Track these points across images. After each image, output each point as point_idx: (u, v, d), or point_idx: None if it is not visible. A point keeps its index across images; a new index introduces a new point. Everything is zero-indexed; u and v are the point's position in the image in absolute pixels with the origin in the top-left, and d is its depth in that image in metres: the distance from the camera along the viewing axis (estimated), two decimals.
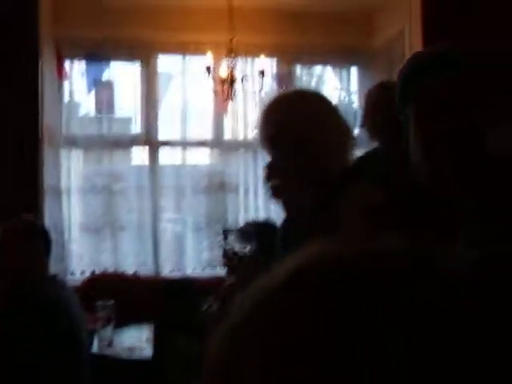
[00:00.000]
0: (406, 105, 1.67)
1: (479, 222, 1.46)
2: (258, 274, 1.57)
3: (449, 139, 1.61)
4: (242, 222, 3.72)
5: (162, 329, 3.58)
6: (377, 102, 3.24)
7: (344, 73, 6.17)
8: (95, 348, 3.63)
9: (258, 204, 5.75)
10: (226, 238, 3.06)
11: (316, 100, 2.14)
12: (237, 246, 2.26)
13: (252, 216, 5.54)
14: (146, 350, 3.65)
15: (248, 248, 2.22)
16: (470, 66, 1.52)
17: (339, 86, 6.22)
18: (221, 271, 4.05)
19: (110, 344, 3.75)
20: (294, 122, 2.00)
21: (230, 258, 2.32)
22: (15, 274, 2.98)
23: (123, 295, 4.59)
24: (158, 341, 3.50)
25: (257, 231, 2.45)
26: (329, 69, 5.94)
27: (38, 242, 3.06)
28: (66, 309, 2.94)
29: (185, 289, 4.20)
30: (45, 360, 2.73)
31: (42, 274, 3.02)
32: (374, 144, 3.31)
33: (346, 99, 6.17)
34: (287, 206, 2.08)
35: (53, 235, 4.69)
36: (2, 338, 2.76)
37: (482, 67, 1.54)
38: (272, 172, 2.03)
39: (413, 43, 5.33)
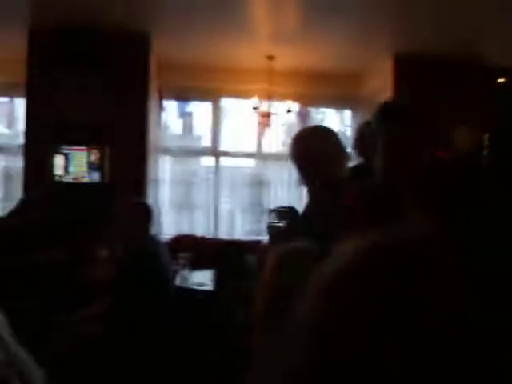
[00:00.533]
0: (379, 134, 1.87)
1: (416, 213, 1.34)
2: (290, 240, 1.61)
3: (397, 155, 1.79)
4: (273, 207, 3.62)
5: (220, 273, 3.50)
6: (362, 133, 3.12)
7: (341, 113, 6.29)
8: (178, 282, 3.63)
9: (282, 195, 5.87)
10: (269, 215, 2.84)
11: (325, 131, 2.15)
12: (276, 221, 2.16)
13: (278, 203, 5.63)
14: (209, 287, 3.64)
15: (283, 223, 2.12)
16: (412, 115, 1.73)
17: (338, 122, 6.31)
18: (257, 238, 4.12)
19: (187, 280, 3.77)
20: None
21: (272, 228, 2.24)
22: (130, 235, 3.07)
23: (196, 249, 4.69)
24: (218, 281, 3.44)
25: (289, 212, 2.27)
26: (331, 110, 6.04)
27: (142, 213, 3.09)
28: (159, 256, 3.01)
29: (236, 248, 4.10)
30: (149, 287, 2.81)
31: (145, 236, 3.06)
32: (360, 159, 3.27)
33: (342, 130, 6.24)
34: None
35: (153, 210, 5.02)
36: (123, 276, 2.91)
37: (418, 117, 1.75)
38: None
39: (387, 97, 5.45)
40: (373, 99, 5.73)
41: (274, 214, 2.23)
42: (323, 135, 2.08)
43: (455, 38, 4.75)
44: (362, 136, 3.14)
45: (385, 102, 2.52)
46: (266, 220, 2.27)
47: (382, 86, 5.57)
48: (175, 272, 3.66)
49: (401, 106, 2.28)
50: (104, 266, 3.79)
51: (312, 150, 1.99)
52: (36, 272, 3.34)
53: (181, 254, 3.87)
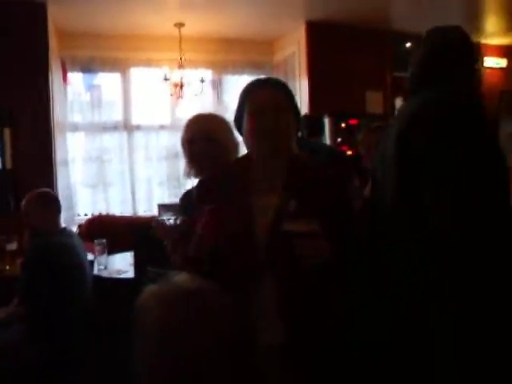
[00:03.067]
0: None
1: None
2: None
3: None
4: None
5: (138, 257, 3.24)
6: None
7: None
8: (95, 271, 3.47)
9: None
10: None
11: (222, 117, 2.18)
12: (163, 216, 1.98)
13: None
14: (130, 272, 3.42)
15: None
16: None
17: None
18: None
19: (105, 268, 3.57)
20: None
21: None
22: (36, 229, 2.93)
23: (113, 230, 4.48)
24: (137, 266, 3.21)
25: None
26: (245, 77, 5.93)
27: (51, 205, 2.92)
28: (71, 248, 2.87)
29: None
30: (59, 283, 2.69)
31: (53, 229, 2.89)
32: None
33: None
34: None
35: (64, 191, 4.73)
36: (29, 271, 2.73)
37: None
38: None
39: (301, 61, 5.47)
40: (287, 65, 5.73)
41: (160, 208, 2.04)
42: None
43: (366, 4, 4.75)
44: None
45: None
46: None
47: (296, 52, 5.55)
48: (92, 261, 3.50)
49: None
50: (12, 260, 3.55)
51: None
52: None
53: (96, 241, 3.64)
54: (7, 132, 4.25)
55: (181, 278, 1.01)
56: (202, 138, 2.03)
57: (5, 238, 3.64)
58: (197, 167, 2.08)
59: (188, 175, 2.12)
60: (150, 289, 1.01)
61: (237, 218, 1.52)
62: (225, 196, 1.57)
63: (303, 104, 5.26)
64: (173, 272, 1.03)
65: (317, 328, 1.45)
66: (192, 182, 2.18)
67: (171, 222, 1.94)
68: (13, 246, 3.66)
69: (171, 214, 1.95)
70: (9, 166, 4.25)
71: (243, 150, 1.87)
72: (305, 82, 5.35)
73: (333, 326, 1.46)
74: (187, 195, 2.14)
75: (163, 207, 2.01)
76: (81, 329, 2.79)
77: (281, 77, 5.84)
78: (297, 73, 5.52)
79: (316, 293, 1.47)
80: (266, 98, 1.50)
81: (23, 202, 2.89)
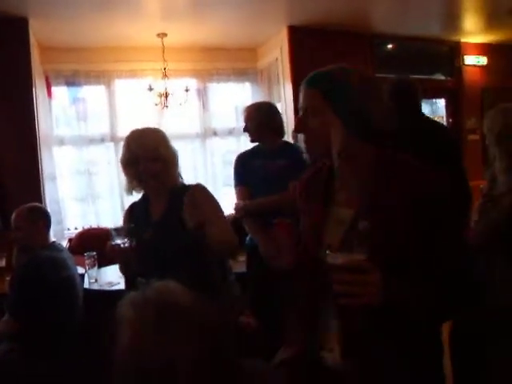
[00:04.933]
0: None
1: None
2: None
3: None
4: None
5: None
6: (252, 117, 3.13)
7: (241, 87, 6.16)
8: (86, 284, 3.43)
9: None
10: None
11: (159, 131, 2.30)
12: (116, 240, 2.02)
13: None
14: (121, 284, 3.26)
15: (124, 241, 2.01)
16: None
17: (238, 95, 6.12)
18: None
19: (96, 280, 3.53)
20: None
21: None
22: (25, 244, 2.88)
23: (103, 244, 4.50)
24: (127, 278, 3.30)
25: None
26: (231, 84, 5.93)
27: (40, 220, 2.87)
28: (61, 262, 2.83)
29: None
30: (50, 297, 2.66)
31: (43, 243, 2.85)
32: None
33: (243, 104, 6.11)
34: None
35: (52, 206, 4.67)
36: (20, 286, 2.68)
37: None
38: None
39: (284, 67, 5.47)
40: (271, 71, 5.75)
41: (112, 232, 2.04)
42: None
43: (345, 7, 4.76)
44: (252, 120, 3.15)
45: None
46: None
47: (279, 57, 5.56)
48: (83, 274, 3.49)
49: None
50: (2, 277, 3.49)
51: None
52: None
53: (86, 254, 3.62)
54: None
55: (160, 286, 0.97)
56: (147, 158, 2.08)
57: None
58: (142, 184, 2.17)
59: (129, 191, 2.21)
60: (128, 296, 0.98)
61: (311, 238, 1.43)
62: (307, 205, 1.47)
63: (288, 109, 5.27)
64: (156, 280, 1.00)
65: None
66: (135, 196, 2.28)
67: (126, 245, 1.98)
68: (1, 263, 3.60)
69: (123, 236, 1.99)
70: None
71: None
72: (289, 86, 5.34)
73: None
74: (132, 207, 2.31)
75: (116, 231, 2.03)
76: (74, 342, 2.75)
77: (265, 83, 5.88)
78: (281, 78, 5.52)
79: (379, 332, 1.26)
80: (301, 99, 1.36)
81: (13, 217, 2.85)
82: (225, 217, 2.24)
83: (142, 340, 0.85)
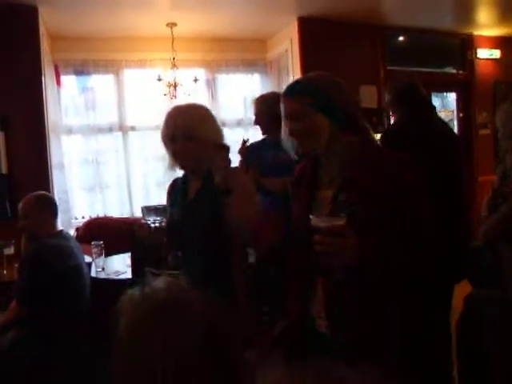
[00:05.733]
0: None
1: None
2: None
3: None
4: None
5: (135, 257, 3.19)
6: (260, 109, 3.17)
7: (250, 78, 6.14)
8: (93, 273, 3.45)
9: None
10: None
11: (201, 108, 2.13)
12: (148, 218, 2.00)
13: None
14: (128, 273, 3.42)
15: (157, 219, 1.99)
16: None
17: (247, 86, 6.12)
18: None
19: (103, 269, 3.57)
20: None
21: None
22: (32, 232, 2.89)
23: (110, 232, 4.49)
24: (134, 267, 3.16)
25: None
26: (239, 75, 5.91)
27: (47, 209, 2.89)
28: (69, 250, 2.85)
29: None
30: (57, 285, 2.68)
31: (50, 231, 2.87)
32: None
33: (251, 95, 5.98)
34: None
35: (60, 195, 4.70)
36: (28, 273, 2.69)
37: None
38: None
39: (294, 58, 5.45)
40: (280, 62, 5.72)
41: (144, 210, 2.02)
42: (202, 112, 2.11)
43: None
44: (258, 111, 3.16)
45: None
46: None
47: (288, 49, 5.53)
48: (90, 263, 3.49)
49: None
50: (9, 265, 3.53)
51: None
52: None
53: (93, 243, 3.63)
54: (1, 136, 4.22)
55: (159, 283, 0.96)
56: (182, 137, 2.00)
57: (2, 242, 3.62)
58: (179, 164, 2.08)
59: (172, 168, 2.12)
60: (129, 293, 0.96)
61: (299, 215, 1.61)
62: (297, 191, 1.70)
63: None
64: (153, 277, 0.99)
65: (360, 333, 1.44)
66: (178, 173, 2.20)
67: (156, 224, 1.94)
68: (10, 251, 3.63)
69: (155, 216, 1.95)
70: (4, 170, 4.22)
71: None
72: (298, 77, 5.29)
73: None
74: (175, 182, 2.22)
75: (147, 209, 2.00)
76: (80, 330, 2.79)
77: (274, 74, 5.86)
78: (290, 69, 5.50)
79: (361, 297, 1.44)
80: (285, 107, 1.60)
81: (20, 205, 2.87)
82: (254, 200, 2.10)
83: (136, 334, 0.85)
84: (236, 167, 2.24)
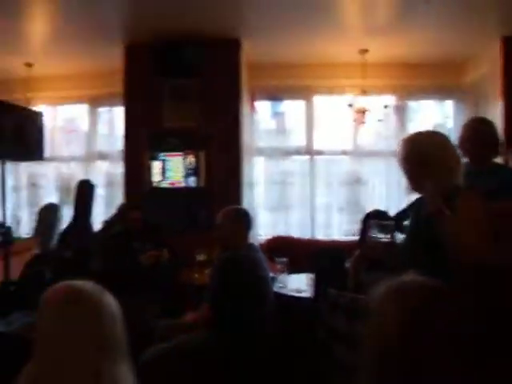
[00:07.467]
0: None
1: None
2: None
3: None
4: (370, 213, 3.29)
5: (318, 279, 3.25)
6: (477, 130, 2.99)
7: (441, 104, 5.93)
8: (275, 288, 3.51)
9: (381, 194, 5.67)
10: (363, 224, 2.75)
11: (435, 135, 2.13)
12: (378, 235, 2.02)
13: (376, 202, 5.41)
14: (307, 292, 3.50)
15: (385, 237, 2.01)
16: None
17: (438, 114, 5.92)
18: (354, 238, 3.89)
19: (285, 286, 3.69)
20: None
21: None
22: (226, 241, 3.10)
23: (292, 251, 4.57)
24: (316, 286, 3.22)
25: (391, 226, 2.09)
26: (430, 102, 5.73)
27: (242, 222, 3.12)
28: (259, 262, 3.04)
29: (335, 250, 3.80)
30: (246, 292, 2.85)
31: (242, 243, 3.08)
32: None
33: (442, 122, 5.85)
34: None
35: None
36: (219, 281, 2.90)
37: None
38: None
39: (495, 82, 5.06)
40: (478, 87, 5.38)
41: (373, 226, 2.02)
42: (440, 139, 2.08)
43: None
44: (476, 134, 2.96)
45: None
46: (359, 228, 2.09)
47: (488, 72, 5.17)
48: (273, 278, 3.62)
49: None
50: (201, 270, 3.86)
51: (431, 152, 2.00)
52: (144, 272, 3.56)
53: (277, 260, 3.81)
54: (202, 154, 4.74)
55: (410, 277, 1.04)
56: (412, 162, 2.10)
57: (196, 249, 3.98)
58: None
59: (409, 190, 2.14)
60: (387, 284, 1.04)
61: None
62: None
63: (498, 129, 4.82)
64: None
65: None
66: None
67: (385, 240, 1.98)
68: (201, 257, 3.99)
69: (384, 232, 1.99)
70: (202, 184, 4.70)
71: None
72: (499, 104, 4.92)
73: None
74: (414, 203, 2.22)
75: (376, 225, 2.03)
76: (260, 338, 2.92)
77: (470, 100, 5.52)
78: (490, 95, 5.14)
79: None
80: None
81: (219, 215, 3.13)
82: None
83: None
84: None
